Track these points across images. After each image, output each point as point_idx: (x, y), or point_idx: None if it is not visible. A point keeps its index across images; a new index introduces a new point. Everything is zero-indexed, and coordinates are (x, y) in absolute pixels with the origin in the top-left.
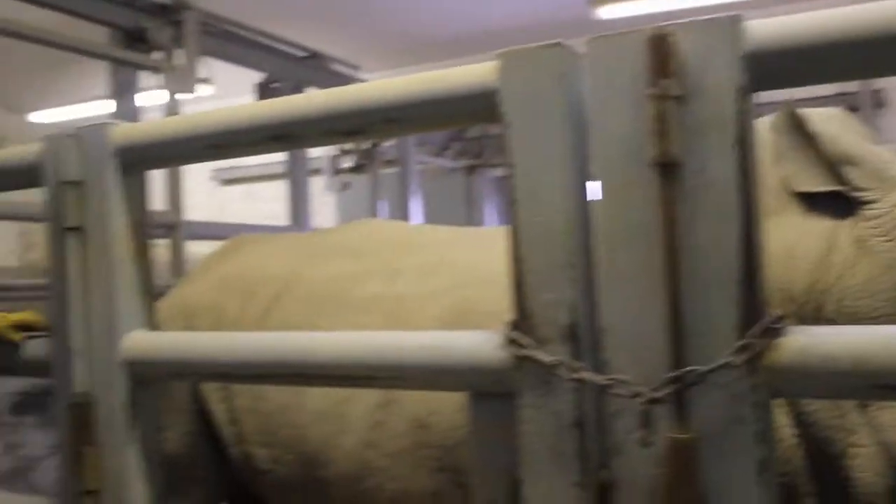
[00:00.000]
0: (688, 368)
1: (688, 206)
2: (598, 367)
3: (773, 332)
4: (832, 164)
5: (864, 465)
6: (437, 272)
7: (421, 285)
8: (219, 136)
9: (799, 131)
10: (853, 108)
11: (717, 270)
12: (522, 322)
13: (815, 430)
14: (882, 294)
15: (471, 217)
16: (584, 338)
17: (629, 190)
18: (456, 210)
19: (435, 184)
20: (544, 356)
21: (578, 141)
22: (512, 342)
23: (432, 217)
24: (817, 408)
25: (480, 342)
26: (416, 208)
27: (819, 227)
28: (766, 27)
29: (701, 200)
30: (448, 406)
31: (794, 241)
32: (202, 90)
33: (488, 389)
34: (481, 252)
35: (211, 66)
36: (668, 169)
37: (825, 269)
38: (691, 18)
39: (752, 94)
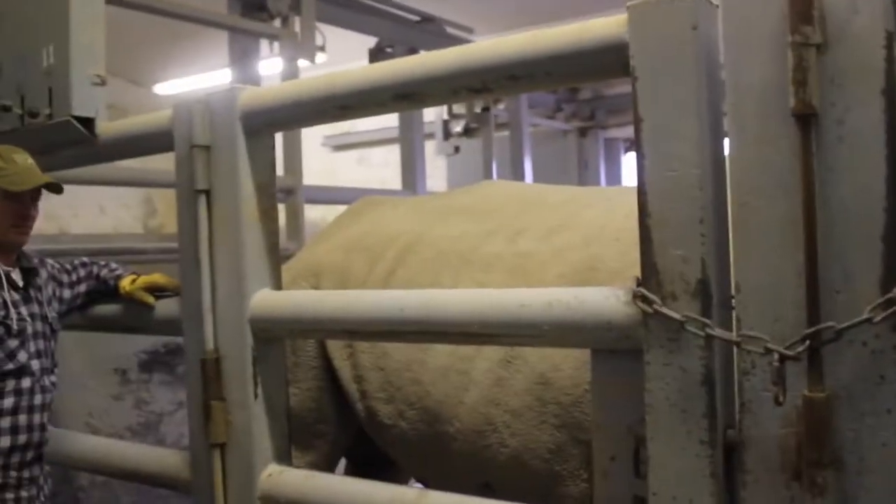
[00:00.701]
0: (825, 325)
1: (828, 158)
2: (728, 324)
3: None
4: None
5: None
6: (563, 230)
7: (545, 243)
8: (345, 96)
9: None
10: None
11: (859, 225)
12: (650, 278)
13: None
14: None
15: (582, 179)
16: (714, 294)
17: (765, 142)
18: (567, 172)
19: (545, 146)
20: (673, 312)
21: (711, 93)
22: (639, 298)
23: (543, 180)
24: None
25: (607, 298)
26: (527, 171)
27: None
28: None
29: (842, 152)
30: (570, 362)
31: None
32: (316, 57)
33: (614, 346)
34: (608, 210)
35: (324, 33)
36: (807, 120)
37: None
38: None
39: None
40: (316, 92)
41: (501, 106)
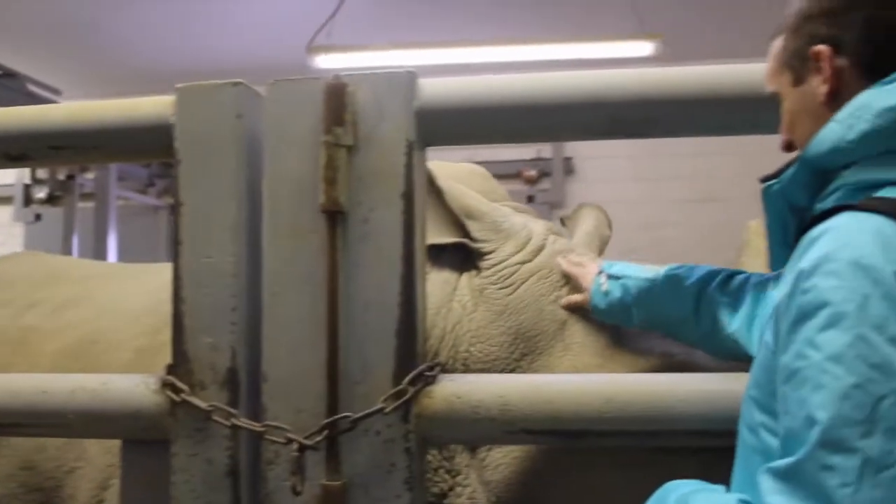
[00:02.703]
0: (342, 415)
1: (353, 254)
2: (257, 413)
3: (426, 379)
4: (456, 217)
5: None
6: (77, 304)
7: (54, 317)
8: None
9: (429, 187)
10: (546, 174)
11: (378, 319)
12: (180, 366)
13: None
14: (494, 339)
15: (170, 257)
16: (243, 383)
17: (298, 235)
18: (156, 249)
19: (135, 221)
20: (200, 401)
21: (252, 183)
22: (167, 386)
23: (129, 255)
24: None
25: (136, 386)
26: (112, 245)
27: (443, 277)
28: (438, 86)
29: (365, 249)
30: (55, 441)
31: None
32: None
33: (142, 436)
34: (129, 286)
35: None
36: (335, 216)
37: (444, 317)
38: (370, 71)
39: (422, 148)
40: None
41: (90, 175)
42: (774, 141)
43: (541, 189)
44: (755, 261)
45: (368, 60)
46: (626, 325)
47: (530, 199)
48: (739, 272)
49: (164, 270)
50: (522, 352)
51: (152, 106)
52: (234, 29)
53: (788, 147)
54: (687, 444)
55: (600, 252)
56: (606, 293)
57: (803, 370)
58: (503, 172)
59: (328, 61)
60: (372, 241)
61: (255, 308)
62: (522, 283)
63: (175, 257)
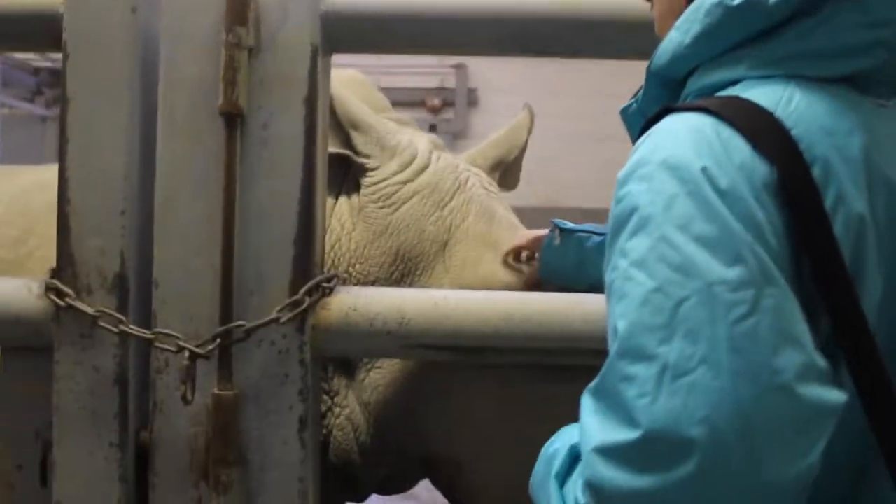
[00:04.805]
0: (235, 324)
1: (251, 160)
2: (147, 321)
3: (323, 290)
4: (340, 126)
5: (344, 424)
6: None
7: None
8: None
9: None
10: (450, 103)
11: (275, 228)
12: (66, 269)
13: None
14: (374, 260)
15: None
16: (132, 289)
17: (193, 138)
18: (43, 160)
19: (20, 130)
20: (86, 307)
21: (146, 81)
22: (51, 290)
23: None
24: None
25: (18, 290)
26: None
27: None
28: None
29: (264, 156)
30: None
31: None
32: None
33: (24, 343)
34: None
35: None
36: (233, 120)
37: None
38: None
39: (327, 54)
40: None
41: None
42: None
43: (444, 118)
44: None
45: None
46: (577, 285)
47: (433, 128)
48: None
49: (15, 176)
50: (402, 272)
51: None
52: None
53: None
54: (585, 363)
55: (510, 158)
56: (559, 248)
57: (615, 282)
58: (406, 100)
59: None
60: (271, 147)
61: (147, 212)
62: (404, 202)
63: (61, 156)
